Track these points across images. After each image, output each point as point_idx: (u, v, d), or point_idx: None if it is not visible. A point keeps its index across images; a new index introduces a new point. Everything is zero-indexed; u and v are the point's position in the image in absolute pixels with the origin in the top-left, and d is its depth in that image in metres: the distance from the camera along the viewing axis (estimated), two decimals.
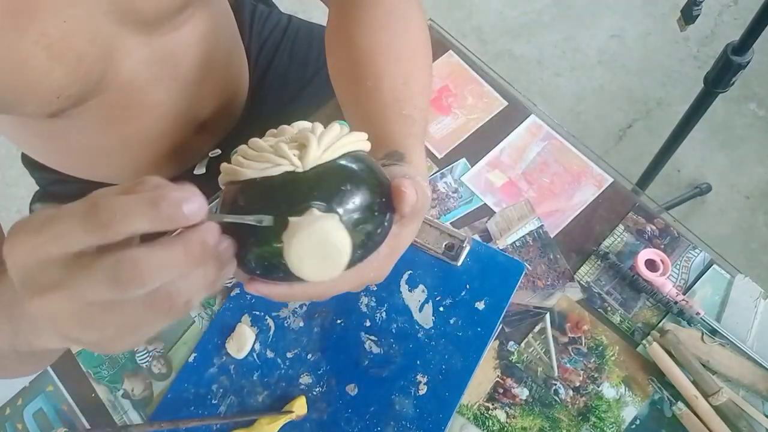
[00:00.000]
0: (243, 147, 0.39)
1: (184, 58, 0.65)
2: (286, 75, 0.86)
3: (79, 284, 0.29)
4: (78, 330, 0.32)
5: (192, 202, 0.30)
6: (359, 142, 0.40)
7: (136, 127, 0.67)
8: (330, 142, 0.38)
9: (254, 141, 0.39)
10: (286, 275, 0.36)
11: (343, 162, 0.38)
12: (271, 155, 0.37)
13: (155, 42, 0.59)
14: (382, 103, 0.53)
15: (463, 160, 0.69)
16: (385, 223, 0.39)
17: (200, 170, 0.79)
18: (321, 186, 0.36)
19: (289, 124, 0.42)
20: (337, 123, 0.40)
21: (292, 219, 0.34)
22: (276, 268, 0.36)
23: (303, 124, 0.42)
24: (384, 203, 0.39)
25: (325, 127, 0.40)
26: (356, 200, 0.37)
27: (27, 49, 0.47)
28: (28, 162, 0.84)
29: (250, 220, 0.35)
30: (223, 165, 0.39)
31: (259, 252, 0.36)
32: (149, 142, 0.71)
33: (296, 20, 0.89)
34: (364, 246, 0.38)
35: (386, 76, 0.54)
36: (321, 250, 0.34)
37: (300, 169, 0.37)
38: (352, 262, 0.37)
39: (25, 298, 0.31)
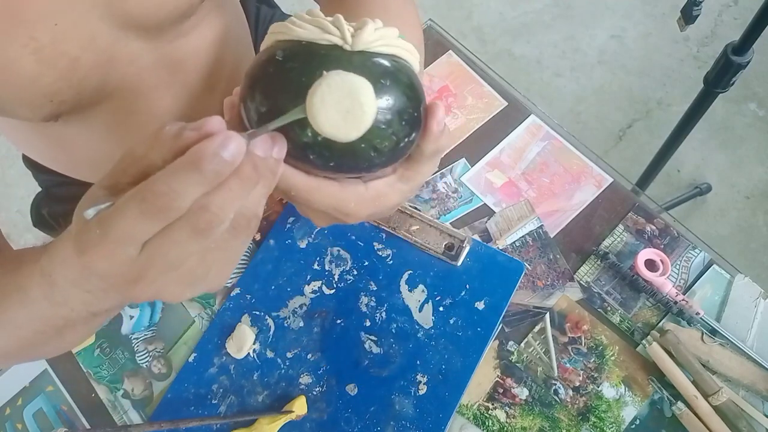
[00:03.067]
0: (298, 13, 0.38)
1: (193, 65, 0.64)
2: None
3: (171, 257, 0.32)
4: (190, 289, 0.35)
5: (229, 146, 0.30)
6: (412, 54, 0.39)
7: (142, 133, 0.65)
8: (385, 36, 0.37)
9: (312, 10, 0.39)
10: (311, 154, 0.36)
11: (389, 59, 0.37)
12: (327, 23, 0.36)
13: (161, 48, 0.58)
14: None
15: (463, 160, 0.69)
16: (407, 139, 0.38)
17: None
18: (362, 70, 0.35)
19: None
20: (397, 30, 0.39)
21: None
22: (302, 147, 0.35)
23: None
24: (415, 117, 0.38)
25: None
26: (390, 99, 0.36)
27: (15, 53, 0.45)
28: (31, 163, 0.83)
29: (288, 118, 0.34)
30: (274, 24, 0.39)
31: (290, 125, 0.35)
32: None
33: None
34: (378, 151, 0.36)
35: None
36: (345, 102, 0.33)
37: (348, 47, 0.36)
38: (358, 162, 0.36)
39: (132, 290, 0.33)
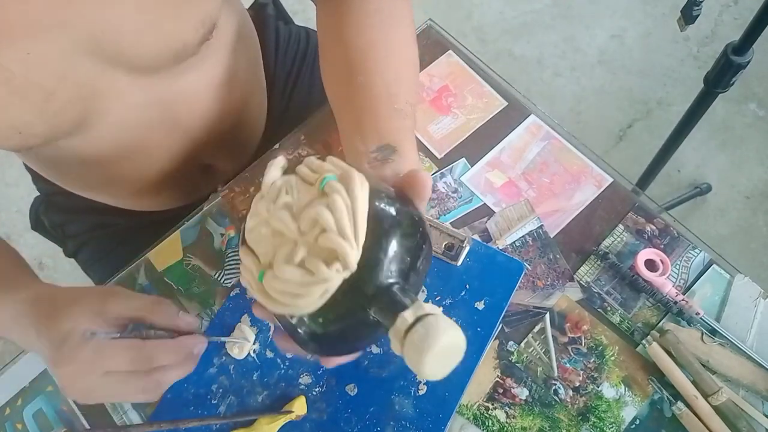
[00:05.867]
0: (273, 284, 0.36)
1: (189, 105, 0.61)
2: (307, 104, 0.82)
3: (116, 394, 0.52)
4: (78, 395, 0.52)
5: (200, 345, 0.53)
6: (362, 186, 0.37)
7: (132, 165, 0.64)
8: (358, 228, 0.36)
9: (281, 267, 0.36)
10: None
11: (375, 232, 0.36)
12: (317, 285, 0.35)
13: (153, 86, 0.55)
14: (374, 98, 0.53)
15: (463, 160, 0.69)
16: (425, 244, 0.40)
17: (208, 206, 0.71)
18: (383, 268, 0.36)
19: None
20: (332, 182, 0.37)
21: (408, 330, 0.34)
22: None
23: (272, 174, 0.40)
24: (420, 233, 0.39)
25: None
26: (406, 248, 0.38)
27: None
28: (29, 169, 0.83)
29: (230, 339, 0.56)
30: (267, 303, 0.37)
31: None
32: (149, 180, 0.68)
33: (314, 36, 0.86)
34: (424, 266, 0.40)
35: (377, 72, 0.54)
36: (448, 353, 0.35)
37: (350, 272, 0.35)
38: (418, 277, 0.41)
39: (69, 390, 0.51)
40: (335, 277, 0.35)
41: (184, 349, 0.51)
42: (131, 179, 0.68)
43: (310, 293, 0.35)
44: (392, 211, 0.38)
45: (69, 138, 0.53)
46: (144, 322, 0.51)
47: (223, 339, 0.59)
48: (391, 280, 0.36)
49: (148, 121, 0.58)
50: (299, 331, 0.39)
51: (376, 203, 0.38)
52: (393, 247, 0.36)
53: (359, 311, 0.36)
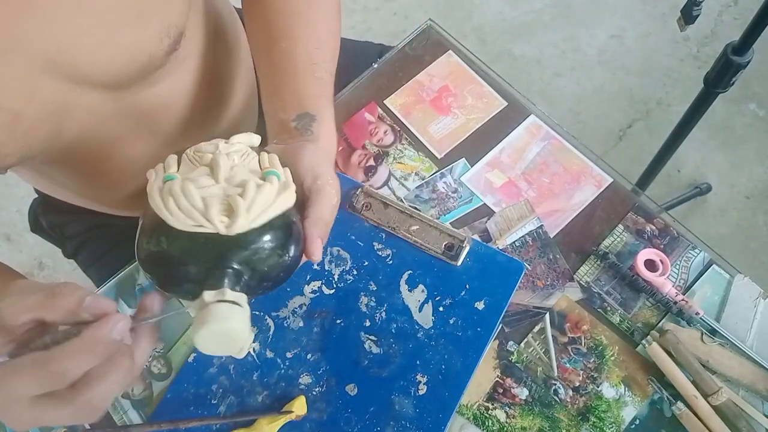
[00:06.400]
0: (175, 187, 0.41)
1: (166, 113, 0.60)
2: None
3: (47, 419, 0.39)
4: (26, 424, 0.40)
5: (118, 325, 0.39)
6: (288, 200, 0.44)
7: (118, 175, 0.63)
8: (260, 210, 0.41)
9: (187, 187, 0.41)
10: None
11: (267, 231, 0.42)
12: (201, 216, 0.40)
13: (125, 99, 0.54)
14: (296, 65, 0.55)
15: (463, 160, 0.69)
16: (292, 264, 0.44)
17: None
18: (241, 254, 0.41)
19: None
20: (274, 177, 0.43)
21: (203, 307, 0.39)
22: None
23: (243, 140, 0.46)
24: (295, 253, 0.44)
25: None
26: (269, 263, 0.42)
27: None
28: None
29: (163, 317, 0.43)
30: (153, 196, 0.42)
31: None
32: (138, 187, 0.67)
33: None
34: (266, 287, 0.44)
35: (301, 39, 0.56)
36: (223, 339, 0.39)
37: (224, 233, 0.40)
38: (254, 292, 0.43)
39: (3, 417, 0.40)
40: (214, 225, 0.40)
41: (97, 342, 0.38)
42: (119, 188, 0.68)
43: (188, 217, 0.40)
44: (286, 232, 0.43)
45: (48, 153, 0.52)
46: (45, 323, 0.40)
47: (155, 319, 0.43)
48: (234, 266, 0.40)
49: (124, 133, 0.57)
50: (148, 233, 0.42)
51: (284, 217, 0.43)
52: (262, 252, 0.41)
53: (194, 259, 0.41)
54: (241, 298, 0.40)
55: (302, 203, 0.47)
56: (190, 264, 0.41)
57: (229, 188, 0.42)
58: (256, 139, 0.48)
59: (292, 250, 0.43)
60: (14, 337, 0.40)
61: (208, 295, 0.39)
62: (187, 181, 0.42)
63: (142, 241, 0.43)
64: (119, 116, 0.55)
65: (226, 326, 0.38)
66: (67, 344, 0.38)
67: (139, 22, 0.48)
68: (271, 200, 0.42)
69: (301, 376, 0.60)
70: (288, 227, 0.43)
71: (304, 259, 0.45)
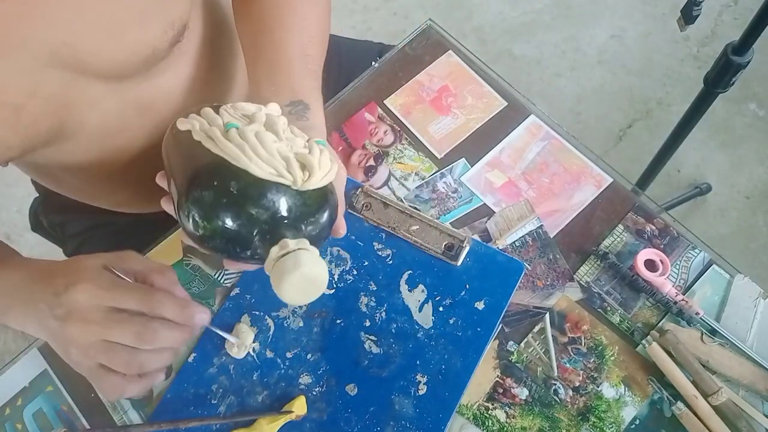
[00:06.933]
0: (249, 135, 0.41)
1: (168, 106, 0.60)
2: None
3: (112, 327, 0.48)
4: (82, 356, 0.49)
5: (203, 314, 0.52)
6: (336, 169, 0.46)
7: (119, 170, 0.63)
8: (327, 171, 0.44)
9: (264, 137, 0.42)
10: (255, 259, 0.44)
11: (324, 194, 0.44)
12: (283, 167, 0.41)
13: (128, 91, 0.55)
14: (290, 56, 0.57)
15: (463, 160, 0.69)
16: (329, 232, 0.47)
17: None
18: (308, 211, 0.43)
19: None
20: (324, 146, 0.45)
21: (284, 255, 0.40)
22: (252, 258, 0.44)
23: (274, 108, 0.48)
24: (334, 218, 0.46)
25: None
26: (325, 224, 0.45)
27: None
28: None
29: (228, 336, 0.52)
30: (220, 141, 0.42)
31: (249, 256, 0.43)
32: (139, 183, 0.66)
33: None
34: (318, 240, 0.45)
35: (295, 31, 0.58)
36: (307, 285, 0.40)
37: (298, 187, 0.42)
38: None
39: (65, 323, 0.48)
40: (294, 177, 0.41)
41: (187, 311, 0.50)
42: (121, 184, 0.68)
43: (269, 165, 0.40)
44: (334, 199, 0.46)
45: (50, 147, 0.53)
46: (146, 282, 0.51)
47: (221, 333, 0.58)
48: (300, 218, 0.42)
49: (126, 126, 0.58)
50: (213, 179, 0.41)
51: (331, 185, 0.46)
52: (319, 212, 0.44)
53: (268, 211, 0.41)
54: (315, 249, 0.41)
55: None
56: (263, 211, 0.41)
57: (295, 147, 0.44)
58: (278, 110, 0.49)
59: (333, 217, 0.45)
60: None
61: (291, 243, 0.40)
62: (260, 132, 0.42)
63: (202, 189, 0.41)
64: (121, 109, 0.56)
65: (313, 271, 0.39)
66: (170, 295, 0.50)
67: (144, 14, 0.49)
68: (329, 165, 0.44)
69: (301, 376, 0.60)
70: (334, 195, 0.46)
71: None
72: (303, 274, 0.39)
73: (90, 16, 0.45)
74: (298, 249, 0.39)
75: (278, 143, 0.43)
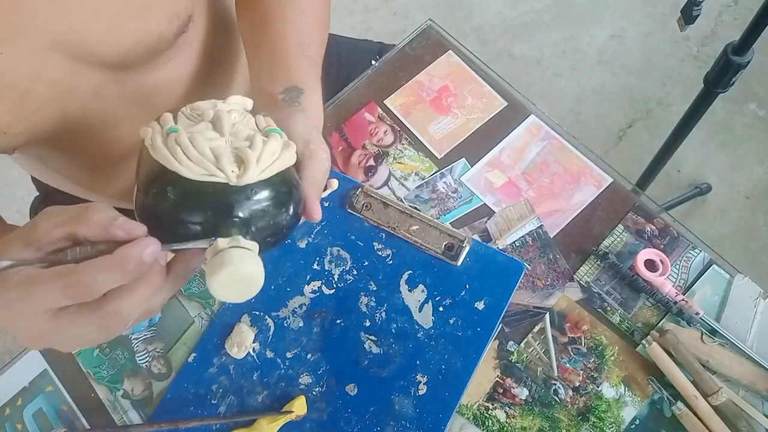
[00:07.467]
0: (182, 138, 0.41)
1: (169, 97, 0.61)
2: None
3: (74, 333, 0.39)
4: (78, 347, 0.42)
5: (148, 248, 0.37)
6: (291, 157, 0.44)
7: (116, 162, 0.63)
8: (268, 163, 0.42)
9: (195, 137, 0.41)
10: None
11: (272, 185, 0.42)
12: (212, 166, 0.40)
13: (131, 81, 0.55)
14: (288, 43, 0.57)
15: (463, 160, 0.69)
16: (293, 222, 0.45)
17: None
18: (249, 205, 0.41)
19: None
20: (277, 135, 0.44)
21: (217, 253, 0.39)
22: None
23: (238, 101, 0.47)
24: (296, 210, 0.44)
25: (262, 126, 0.45)
26: (274, 216, 0.42)
27: None
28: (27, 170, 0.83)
29: (193, 245, 0.40)
30: (158, 147, 0.41)
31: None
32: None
33: None
34: (269, 243, 0.43)
35: (292, 21, 0.58)
36: (239, 284, 0.40)
37: (234, 183, 0.40)
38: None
39: (29, 341, 0.41)
40: (225, 174, 0.40)
41: (129, 260, 0.37)
42: (121, 176, 0.68)
43: (198, 166, 0.40)
44: (289, 188, 0.44)
45: (53, 136, 0.53)
46: (76, 238, 0.39)
47: (184, 246, 0.41)
48: (242, 216, 0.41)
49: (128, 116, 0.58)
50: (152, 185, 0.41)
51: (288, 174, 0.44)
52: (268, 204, 0.42)
53: (204, 208, 0.40)
54: (254, 246, 0.41)
55: (296, 167, 0.47)
56: (201, 213, 0.40)
57: (236, 141, 0.43)
58: (250, 103, 0.48)
59: (292, 207, 0.44)
60: (44, 255, 0.39)
61: (222, 242, 0.40)
62: (194, 132, 0.42)
63: (145, 196, 0.42)
64: (123, 99, 0.56)
65: (242, 269, 0.39)
66: (98, 259, 0.37)
67: (150, 5, 0.49)
68: (277, 154, 0.43)
69: (301, 376, 0.60)
70: (290, 184, 0.44)
71: (302, 220, 0.46)
72: (230, 273, 0.39)
73: (96, 3, 0.46)
74: (229, 247, 0.39)
75: (216, 141, 0.42)
